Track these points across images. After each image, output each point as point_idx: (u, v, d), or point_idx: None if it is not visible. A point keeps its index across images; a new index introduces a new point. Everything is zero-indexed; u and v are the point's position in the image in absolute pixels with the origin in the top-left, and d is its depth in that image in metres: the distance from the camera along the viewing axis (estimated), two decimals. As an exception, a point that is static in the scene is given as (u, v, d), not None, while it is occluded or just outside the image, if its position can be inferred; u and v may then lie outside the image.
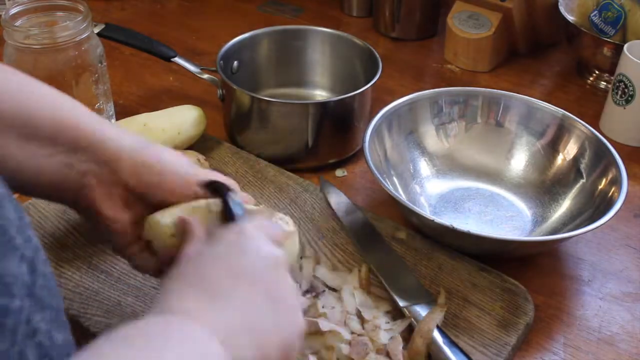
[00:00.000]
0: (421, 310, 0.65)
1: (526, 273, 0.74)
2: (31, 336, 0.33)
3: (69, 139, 0.52)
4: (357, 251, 0.73)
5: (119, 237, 0.55)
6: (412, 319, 0.64)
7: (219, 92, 0.90)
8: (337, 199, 0.79)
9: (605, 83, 1.08)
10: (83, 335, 0.65)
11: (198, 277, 0.44)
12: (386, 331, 0.65)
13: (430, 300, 0.67)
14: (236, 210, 0.51)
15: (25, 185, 0.52)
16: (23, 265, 0.34)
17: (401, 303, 0.66)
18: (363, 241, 0.74)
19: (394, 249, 0.73)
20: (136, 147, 0.54)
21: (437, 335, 0.62)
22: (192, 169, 0.55)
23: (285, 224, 0.54)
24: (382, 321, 0.66)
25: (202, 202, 0.54)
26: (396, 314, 0.67)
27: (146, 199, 0.54)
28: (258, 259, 0.46)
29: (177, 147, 0.85)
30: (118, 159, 0.53)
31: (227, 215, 0.51)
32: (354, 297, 0.67)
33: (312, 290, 0.69)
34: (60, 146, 0.52)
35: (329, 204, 0.79)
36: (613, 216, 0.69)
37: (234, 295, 0.44)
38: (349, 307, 0.66)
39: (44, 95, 0.53)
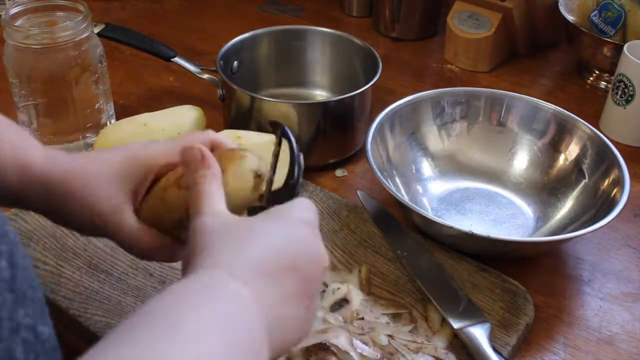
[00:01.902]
0: (475, 332, 0.64)
1: (526, 273, 0.74)
2: (16, 332, 0.33)
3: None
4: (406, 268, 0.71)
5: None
6: (468, 342, 0.63)
7: (219, 92, 0.90)
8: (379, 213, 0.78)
9: (605, 83, 1.08)
10: (83, 335, 0.65)
11: (260, 249, 0.44)
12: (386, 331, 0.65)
13: (482, 319, 0.65)
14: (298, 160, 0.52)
15: None
16: (1, 261, 0.34)
17: (455, 325, 0.64)
18: (411, 257, 0.72)
19: (442, 265, 0.72)
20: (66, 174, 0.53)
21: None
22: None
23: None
24: (383, 321, 0.66)
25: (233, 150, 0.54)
26: (396, 314, 0.67)
27: None
28: (316, 261, 0.46)
29: (177, 147, 0.85)
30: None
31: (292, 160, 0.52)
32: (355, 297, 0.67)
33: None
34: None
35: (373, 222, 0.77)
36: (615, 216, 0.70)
37: (281, 283, 0.43)
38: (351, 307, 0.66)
39: None
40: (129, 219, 0.52)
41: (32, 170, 0.52)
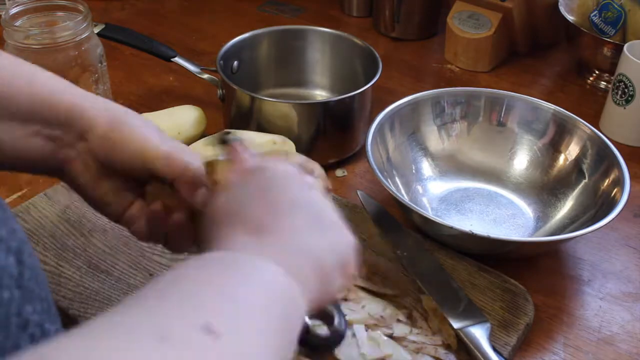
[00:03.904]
0: (475, 332, 0.63)
1: (526, 273, 0.74)
2: (24, 328, 0.33)
3: (46, 115, 0.51)
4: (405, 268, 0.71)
5: (107, 208, 0.55)
6: (468, 342, 0.63)
7: (219, 92, 0.90)
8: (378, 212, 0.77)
9: (605, 83, 1.08)
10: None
11: (239, 218, 0.44)
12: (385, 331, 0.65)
13: (482, 319, 0.65)
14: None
15: (8, 162, 0.53)
16: (10, 257, 0.34)
17: (455, 325, 0.64)
18: (410, 257, 0.72)
19: (442, 264, 0.72)
20: (111, 121, 0.52)
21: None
22: (166, 146, 0.52)
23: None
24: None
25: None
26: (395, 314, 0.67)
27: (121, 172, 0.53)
28: (291, 186, 0.47)
29: (177, 147, 0.85)
30: (90, 131, 0.52)
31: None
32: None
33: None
34: (38, 123, 0.51)
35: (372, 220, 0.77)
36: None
37: (280, 227, 0.44)
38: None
39: (20, 72, 0.52)
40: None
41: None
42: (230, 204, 0.46)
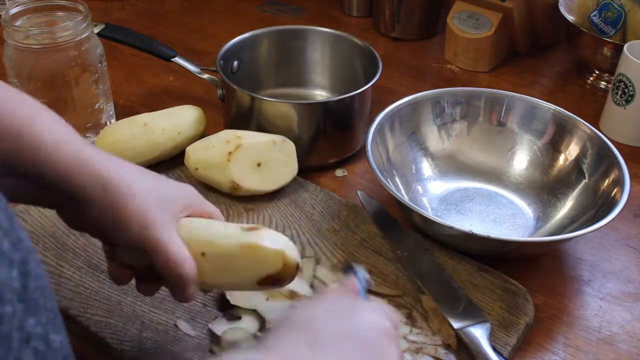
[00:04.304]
0: (475, 332, 0.63)
1: (526, 273, 0.74)
2: (26, 342, 0.33)
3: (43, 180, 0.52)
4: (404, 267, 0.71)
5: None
6: (468, 342, 0.63)
7: (219, 92, 0.90)
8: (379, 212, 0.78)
9: (605, 83, 1.08)
10: (83, 335, 0.65)
11: (304, 323, 0.47)
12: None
13: (482, 319, 0.65)
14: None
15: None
16: (13, 271, 0.33)
17: (455, 325, 0.64)
18: (410, 256, 0.72)
19: (442, 264, 0.72)
20: (110, 202, 0.52)
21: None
22: (165, 235, 0.53)
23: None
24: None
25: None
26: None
27: None
28: (371, 325, 0.48)
29: (177, 147, 0.85)
30: (86, 210, 0.52)
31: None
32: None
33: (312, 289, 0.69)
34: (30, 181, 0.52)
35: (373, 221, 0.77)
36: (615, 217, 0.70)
37: (336, 350, 0.45)
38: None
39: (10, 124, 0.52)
40: (176, 237, 0.54)
41: (89, 164, 0.53)
42: (306, 308, 0.49)
